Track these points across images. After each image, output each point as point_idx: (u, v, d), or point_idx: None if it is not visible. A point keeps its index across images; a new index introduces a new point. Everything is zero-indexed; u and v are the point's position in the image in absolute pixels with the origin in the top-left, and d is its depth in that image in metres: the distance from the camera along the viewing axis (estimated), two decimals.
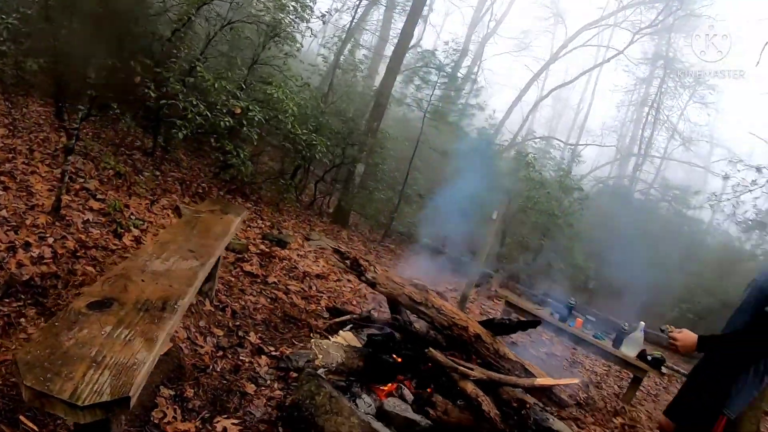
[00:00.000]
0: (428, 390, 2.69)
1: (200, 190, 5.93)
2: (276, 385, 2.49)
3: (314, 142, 6.87)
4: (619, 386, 5.46)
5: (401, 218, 9.89)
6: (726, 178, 12.38)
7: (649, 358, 4.59)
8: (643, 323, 4.78)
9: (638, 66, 19.25)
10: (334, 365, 2.55)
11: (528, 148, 14.78)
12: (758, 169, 10.93)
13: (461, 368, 2.65)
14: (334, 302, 4.33)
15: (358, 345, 3.17)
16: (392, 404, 2.59)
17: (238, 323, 2.96)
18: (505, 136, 16.57)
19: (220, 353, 2.48)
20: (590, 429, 3.69)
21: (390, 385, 2.91)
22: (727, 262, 12.25)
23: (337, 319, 3.82)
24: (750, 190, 10.50)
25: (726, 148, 20.44)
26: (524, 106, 19.98)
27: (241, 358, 2.57)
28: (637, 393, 4.92)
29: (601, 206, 13.92)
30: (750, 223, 12.32)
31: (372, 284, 2.85)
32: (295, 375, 2.71)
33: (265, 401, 2.27)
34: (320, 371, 2.56)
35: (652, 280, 7.39)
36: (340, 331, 3.29)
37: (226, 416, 1.98)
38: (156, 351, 1.39)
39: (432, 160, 11.51)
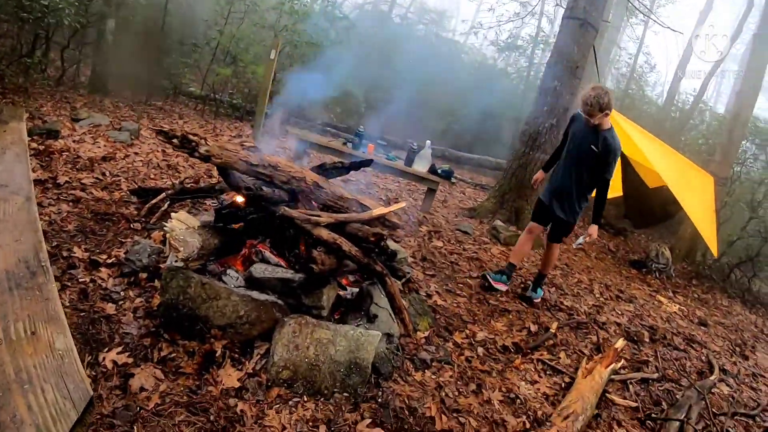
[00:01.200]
0: (300, 249, 2.79)
1: None
2: (132, 294, 2.22)
3: (60, 6, 5.50)
4: (414, 199, 6.22)
5: (162, 72, 8.60)
6: (491, 10, 14.00)
7: (440, 171, 5.37)
8: (429, 141, 5.45)
9: None
10: (195, 252, 2.38)
11: None
12: (522, 4, 12.83)
13: (312, 218, 2.78)
14: (135, 183, 3.82)
15: (198, 223, 2.97)
16: (261, 270, 2.61)
17: (55, 243, 2.37)
18: None
19: (58, 284, 2.02)
20: (405, 241, 4.30)
21: (243, 252, 2.91)
22: (482, 79, 14.36)
23: (153, 200, 3.44)
24: (512, 20, 12.27)
25: None
26: None
27: (81, 280, 2.14)
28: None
29: (362, 31, 14.23)
30: (502, 44, 14.65)
31: (206, 158, 2.56)
32: (145, 276, 2.46)
33: (132, 316, 2.03)
34: (177, 263, 2.38)
35: (420, 97, 8.28)
36: (173, 215, 2.98)
37: (107, 349, 1.73)
38: (66, 326, 1.09)
39: (190, 2, 9.79)
